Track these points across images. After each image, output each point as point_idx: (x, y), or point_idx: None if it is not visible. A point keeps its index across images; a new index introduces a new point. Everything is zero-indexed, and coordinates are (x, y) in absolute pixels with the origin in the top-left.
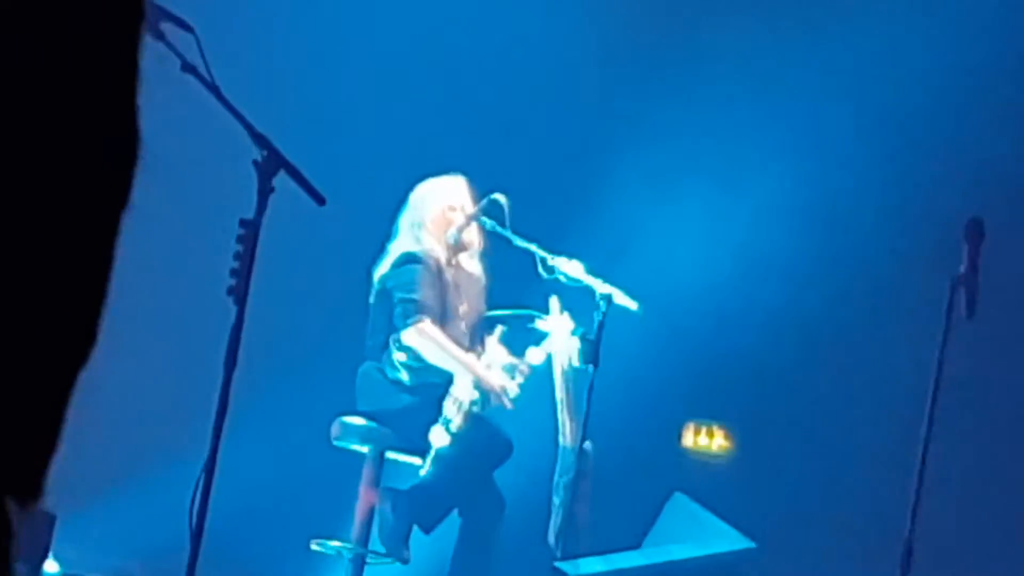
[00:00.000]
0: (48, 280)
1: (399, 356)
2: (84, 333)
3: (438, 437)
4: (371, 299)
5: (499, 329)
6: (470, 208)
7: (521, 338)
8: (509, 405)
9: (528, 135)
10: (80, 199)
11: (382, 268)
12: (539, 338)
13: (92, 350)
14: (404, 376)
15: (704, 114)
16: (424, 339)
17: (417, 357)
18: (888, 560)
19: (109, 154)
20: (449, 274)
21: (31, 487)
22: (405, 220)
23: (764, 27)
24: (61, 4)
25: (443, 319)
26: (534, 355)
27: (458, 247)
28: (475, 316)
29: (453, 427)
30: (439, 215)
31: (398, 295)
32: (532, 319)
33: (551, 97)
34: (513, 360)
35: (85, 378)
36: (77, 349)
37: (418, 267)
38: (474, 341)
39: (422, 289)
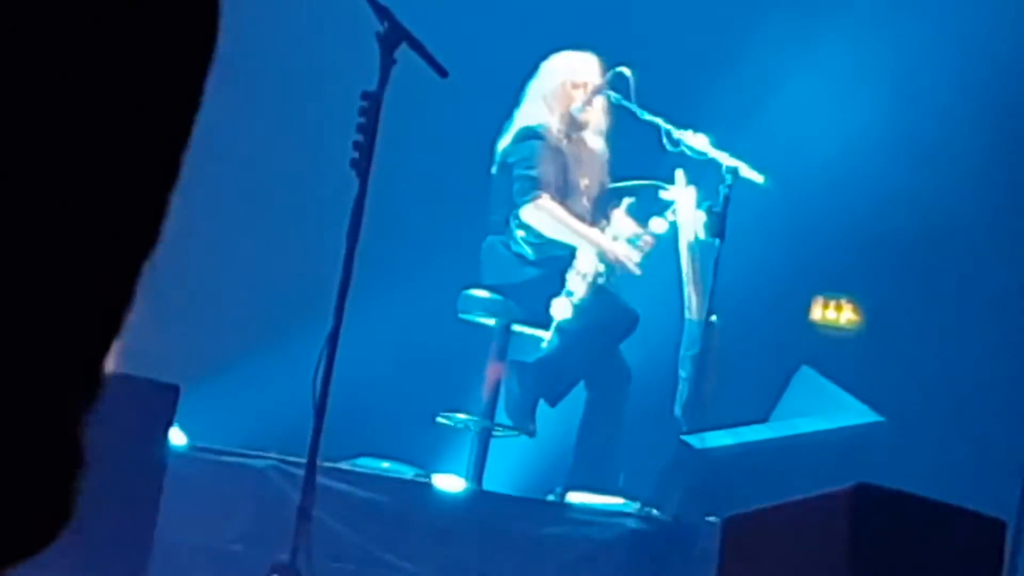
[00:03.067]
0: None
1: (519, 232)
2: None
3: (562, 309)
4: (493, 171)
5: (626, 201)
6: (598, 82)
7: (648, 209)
8: (636, 271)
9: (654, 6)
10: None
11: (504, 141)
12: (665, 210)
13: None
14: (527, 250)
15: None
16: (542, 214)
17: (536, 233)
18: (1017, 433)
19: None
20: (570, 149)
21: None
22: (533, 88)
23: None
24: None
25: (564, 194)
26: (658, 224)
27: (580, 122)
28: (597, 189)
29: (577, 299)
30: (563, 89)
31: (517, 171)
32: (657, 189)
33: None
34: (638, 230)
35: (213, 252)
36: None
37: (538, 143)
38: (597, 215)
39: (541, 164)
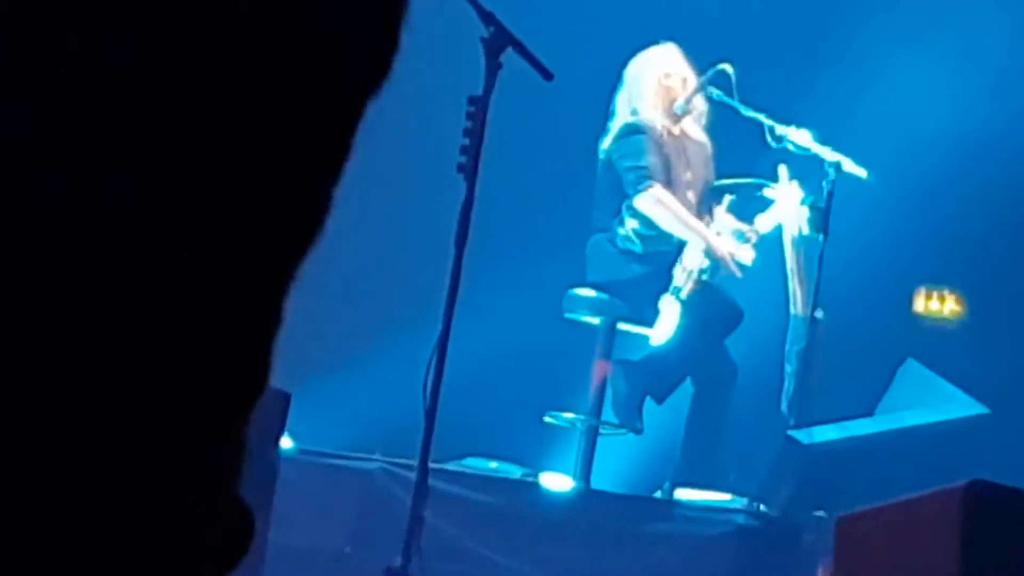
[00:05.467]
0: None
1: (631, 223)
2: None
3: (668, 306)
4: (598, 171)
5: (727, 198)
6: (686, 73)
7: (750, 207)
8: (738, 272)
9: (755, 0)
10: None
11: (607, 140)
12: (767, 206)
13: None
14: (635, 245)
15: None
16: (656, 205)
17: (649, 224)
18: None
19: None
20: (674, 144)
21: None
22: (622, 98)
23: None
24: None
25: (669, 188)
26: (762, 222)
27: (681, 116)
28: (701, 185)
29: (683, 295)
30: (656, 85)
31: (625, 163)
32: (760, 187)
33: None
34: (742, 227)
35: (321, 258)
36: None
37: (642, 136)
38: (701, 210)
39: (649, 156)
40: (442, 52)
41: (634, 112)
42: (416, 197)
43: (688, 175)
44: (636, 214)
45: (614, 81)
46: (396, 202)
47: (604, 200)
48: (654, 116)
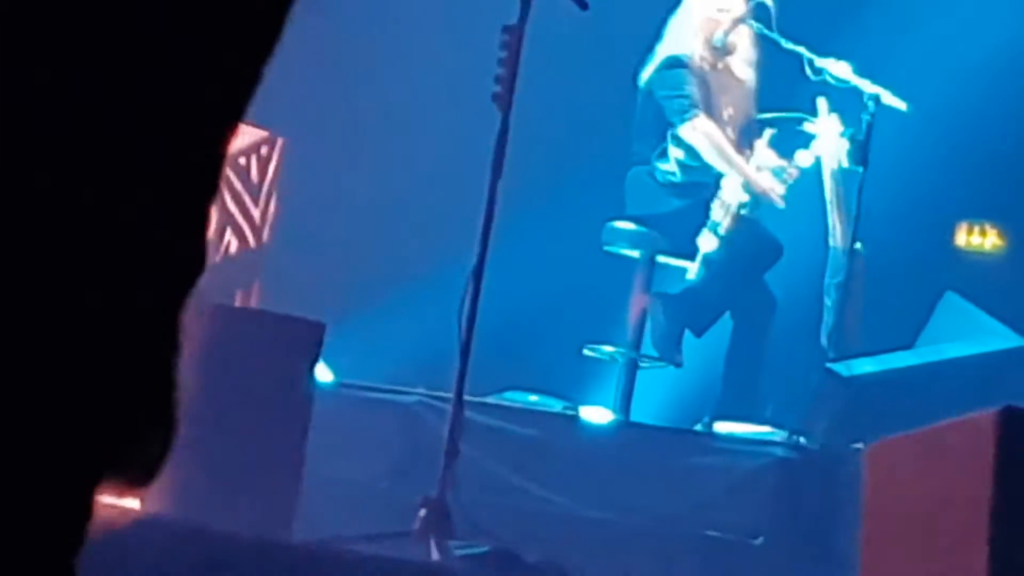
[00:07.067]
0: None
1: (675, 153)
2: None
3: (707, 240)
4: (638, 102)
5: (768, 132)
6: (741, 11)
7: (790, 141)
8: (780, 203)
9: None
10: None
11: (647, 71)
12: (807, 141)
13: None
14: (676, 175)
15: None
16: (700, 134)
17: (694, 154)
18: None
19: None
20: (715, 78)
21: None
22: (675, 21)
23: None
24: None
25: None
26: (803, 158)
27: (725, 50)
28: (742, 119)
29: (722, 230)
30: (707, 17)
31: (670, 93)
32: (801, 122)
33: None
34: (782, 163)
35: (355, 188)
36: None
37: (684, 70)
38: (742, 145)
39: (691, 87)
40: None
41: (682, 42)
42: (452, 128)
43: (730, 110)
44: (680, 143)
45: (648, 10)
46: (432, 132)
47: (644, 132)
48: (696, 48)
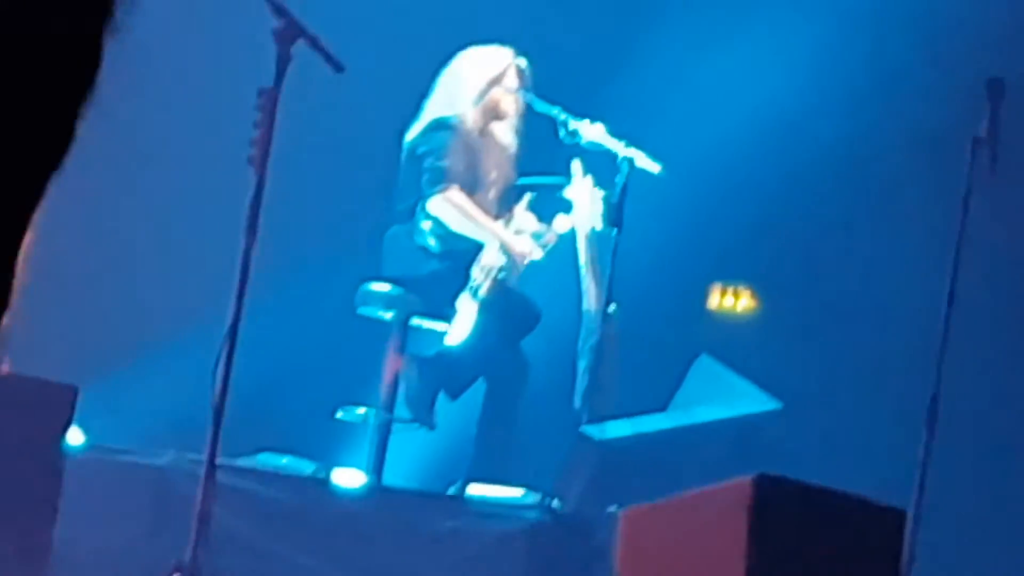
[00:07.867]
0: None
1: (425, 224)
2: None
3: (466, 304)
4: (401, 162)
5: (527, 197)
6: (514, 80)
7: (552, 205)
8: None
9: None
10: None
11: (413, 131)
12: (567, 205)
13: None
14: (431, 242)
15: None
16: (449, 207)
17: (443, 225)
18: (913, 420)
19: None
20: (481, 142)
21: None
22: (445, 80)
23: None
24: None
25: (472, 186)
26: (561, 223)
27: (494, 115)
28: (504, 184)
29: (481, 293)
30: (481, 83)
31: (427, 162)
32: (560, 187)
33: None
34: (541, 228)
35: (108, 248)
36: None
37: (449, 133)
38: (502, 208)
39: (451, 156)
40: (232, 44)
41: (451, 104)
42: (208, 189)
43: (493, 174)
44: (429, 215)
45: (408, 72)
46: (187, 194)
47: (406, 191)
48: (467, 111)
